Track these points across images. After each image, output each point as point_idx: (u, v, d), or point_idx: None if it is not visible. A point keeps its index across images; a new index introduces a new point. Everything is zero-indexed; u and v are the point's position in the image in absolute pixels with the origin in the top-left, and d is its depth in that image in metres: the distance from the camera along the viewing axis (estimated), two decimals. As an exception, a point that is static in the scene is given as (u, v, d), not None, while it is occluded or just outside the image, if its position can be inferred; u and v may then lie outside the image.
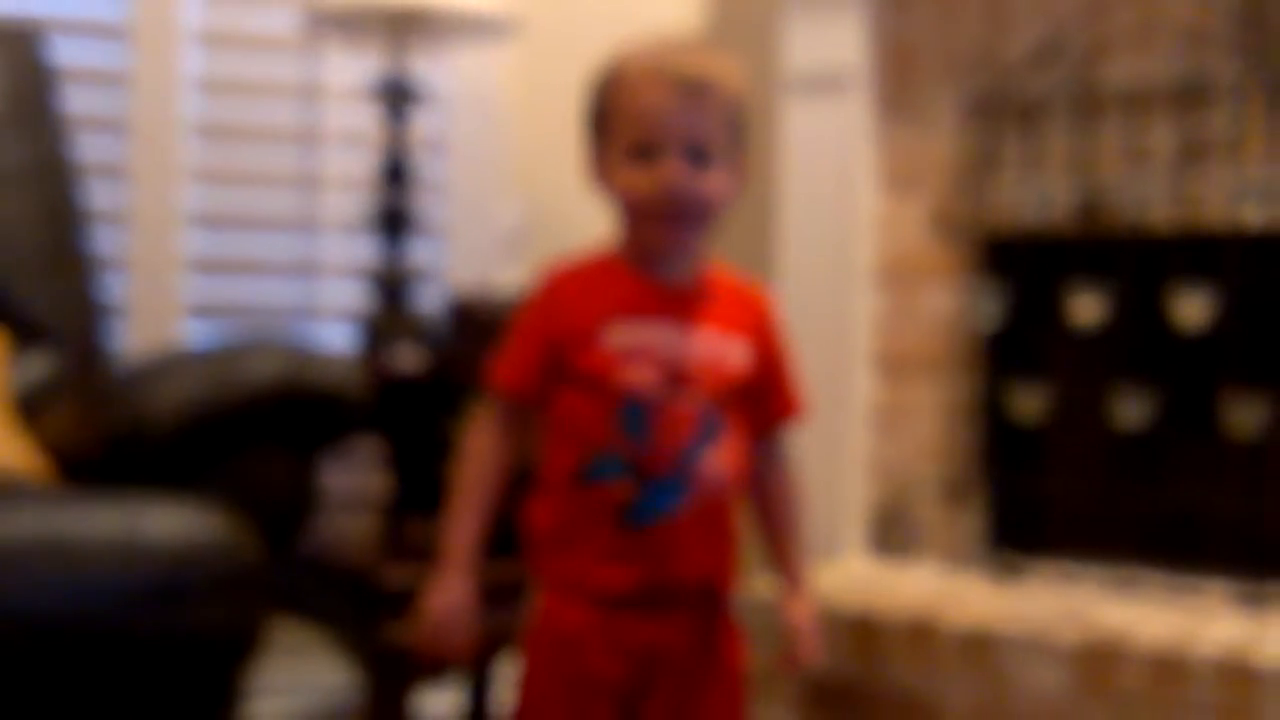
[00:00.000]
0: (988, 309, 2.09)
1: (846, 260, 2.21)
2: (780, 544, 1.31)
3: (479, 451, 1.25)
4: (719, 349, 1.23)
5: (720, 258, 1.30)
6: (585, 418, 1.19)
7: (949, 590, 2.00)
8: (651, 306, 1.21)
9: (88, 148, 2.09)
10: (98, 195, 2.11)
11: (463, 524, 1.23)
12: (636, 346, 1.20)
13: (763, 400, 1.27)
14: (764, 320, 1.28)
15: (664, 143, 1.18)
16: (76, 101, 2.09)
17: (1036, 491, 2.10)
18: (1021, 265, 2.07)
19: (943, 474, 2.15)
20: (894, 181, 2.22)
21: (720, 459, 1.21)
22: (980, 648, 1.80)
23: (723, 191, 1.21)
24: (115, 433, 1.61)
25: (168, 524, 1.38)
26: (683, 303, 1.23)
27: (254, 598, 1.46)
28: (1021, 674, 1.77)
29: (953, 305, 2.15)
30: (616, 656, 1.21)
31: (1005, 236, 2.10)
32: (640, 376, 1.19)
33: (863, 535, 2.22)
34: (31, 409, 1.73)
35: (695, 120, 1.19)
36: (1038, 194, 2.04)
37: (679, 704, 1.23)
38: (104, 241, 2.11)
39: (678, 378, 1.20)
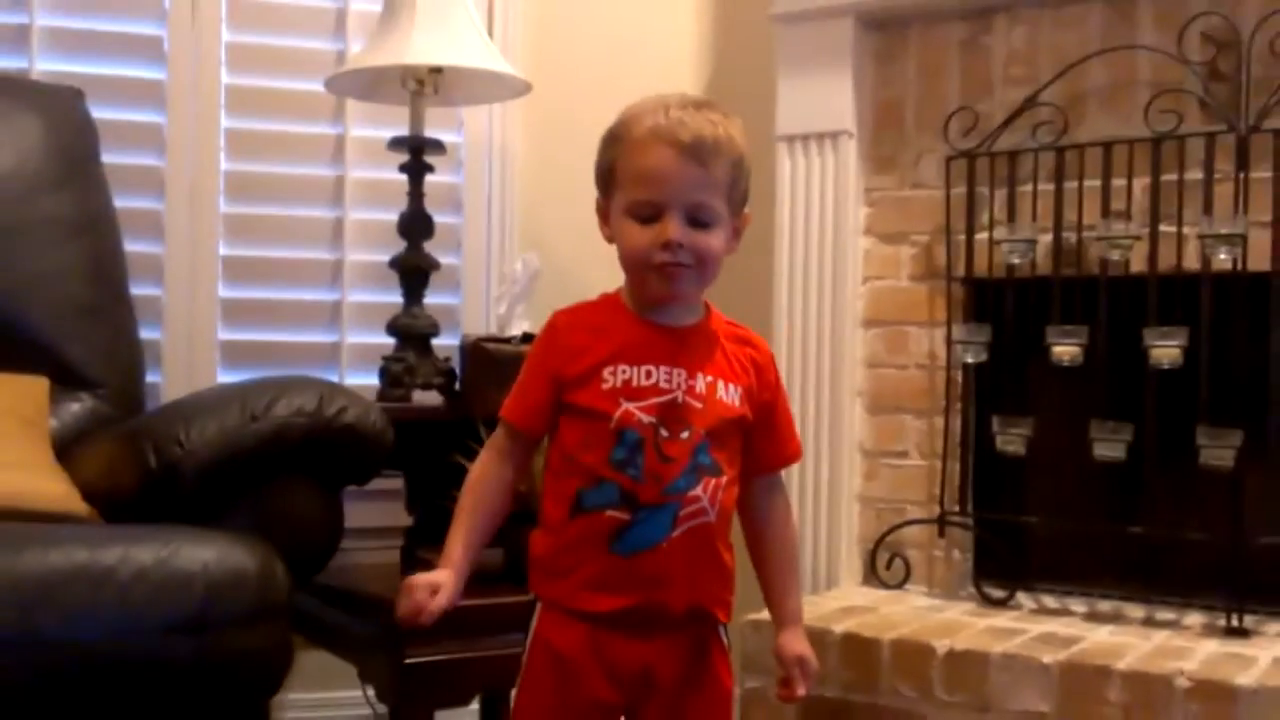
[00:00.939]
0: (972, 349, 2.18)
1: (838, 304, 2.31)
2: (778, 580, 1.37)
3: (479, 471, 1.33)
4: (713, 390, 1.28)
5: (722, 300, 1.40)
6: (584, 449, 1.26)
7: (940, 618, 2.08)
8: (651, 349, 1.28)
9: (128, 201, 2.21)
10: (135, 247, 2.23)
11: (458, 533, 1.30)
12: (635, 385, 1.26)
13: (761, 444, 1.34)
14: (763, 369, 1.34)
15: (665, 203, 1.23)
16: (117, 158, 2.22)
17: (1019, 523, 2.18)
18: (1004, 307, 2.16)
19: (932, 507, 2.24)
20: (883, 229, 2.33)
21: (709, 493, 1.27)
22: (968, 668, 1.87)
23: (720, 249, 1.27)
24: (150, 470, 1.70)
25: (201, 556, 1.46)
26: (681, 347, 1.28)
27: (284, 627, 1.52)
28: (1008, 694, 1.85)
29: (939, 345, 2.25)
30: (609, 678, 1.27)
31: (988, 280, 2.20)
32: (636, 411, 1.25)
33: (857, 567, 2.31)
34: (71, 450, 1.84)
35: (696, 183, 1.23)
36: (1018, 240, 2.14)
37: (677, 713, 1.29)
38: (142, 291, 2.23)
39: (672, 414, 1.25)
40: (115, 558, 1.43)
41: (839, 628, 1.99)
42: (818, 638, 1.99)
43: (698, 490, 1.26)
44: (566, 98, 2.57)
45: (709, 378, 1.28)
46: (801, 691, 1.35)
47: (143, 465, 1.71)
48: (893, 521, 2.27)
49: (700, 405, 1.27)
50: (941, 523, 2.22)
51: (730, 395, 1.30)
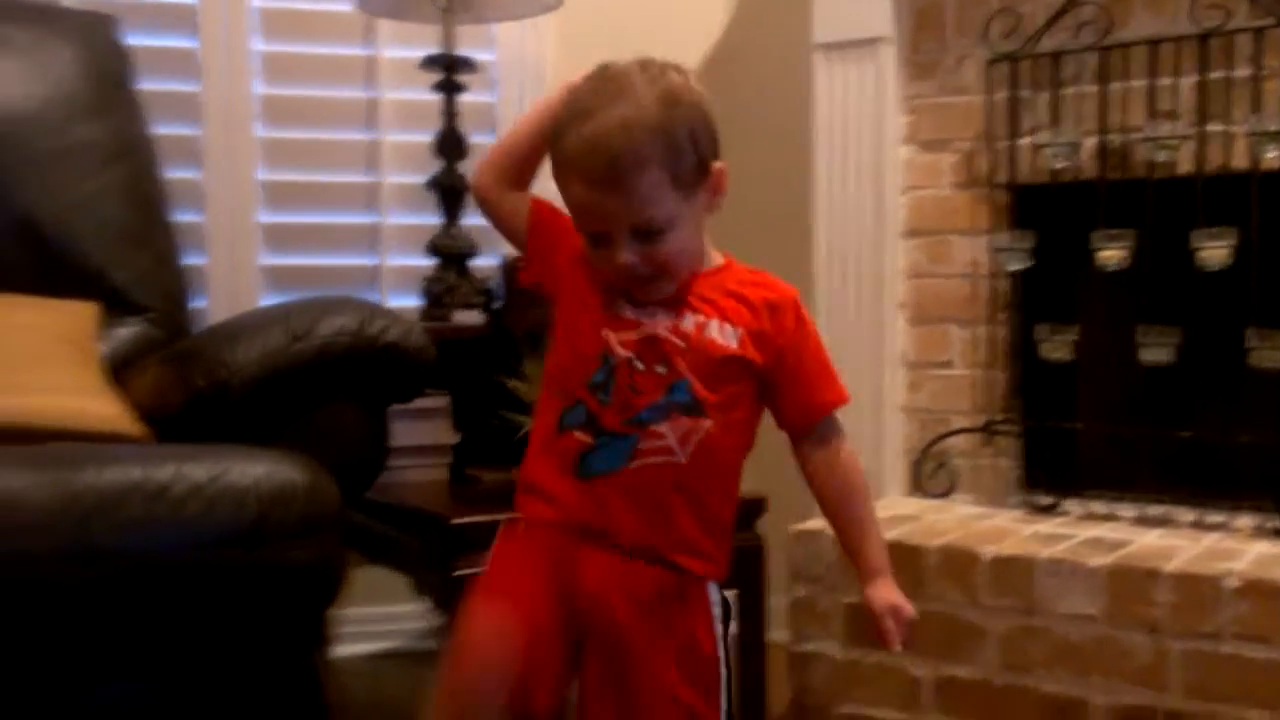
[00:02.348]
0: (1016, 256, 2.16)
1: (880, 214, 2.28)
2: (847, 535, 1.27)
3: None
4: (702, 330, 1.21)
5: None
6: (570, 368, 1.23)
7: (985, 523, 2.08)
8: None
9: (167, 128, 2.22)
10: (176, 174, 2.24)
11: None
12: (620, 316, 1.21)
13: (789, 395, 1.25)
14: (779, 310, 1.25)
15: (605, 231, 1.17)
16: (153, 85, 2.22)
17: (1066, 429, 2.17)
18: (1049, 212, 2.13)
19: (977, 416, 2.23)
20: (923, 137, 2.29)
21: (680, 434, 1.19)
22: (1016, 574, 1.88)
23: (680, 247, 1.19)
24: (199, 390, 1.72)
25: (253, 472, 1.48)
26: (677, 292, 1.22)
27: (335, 540, 1.54)
28: (1057, 600, 1.85)
29: (981, 254, 2.22)
30: (558, 595, 1.20)
31: (1031, 186, 2.16)
32: (618, 340, 1.21)
33: (903, 477, 2.31)
34: (122, 373, 1.87)
35: (627, 207, 1.15)
36: (1062, 144, 2.10)
37: (614, 674, 1.20)
38: (183, 217, 2.24)
39: (650, 349, 1.20)
40: (169, 475, 1.45)
41: (885, 536, 2.00)
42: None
43: (663, 427, 1.19)
44: (600, 10, 2.54)
45: (700, 317, 1.22)
46: (898, 643, 1.25)
47: (191, 386, 1.74)
48: (938, 431, 2.27)
49: (683, 344, 1.21)
50: (988, 430, 2.21)
51: (725, 336, 1.22)
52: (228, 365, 1.73)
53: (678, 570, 1.22)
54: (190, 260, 2.23)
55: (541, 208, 1.30)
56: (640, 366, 1.20)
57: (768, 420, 1.29)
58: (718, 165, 1.22)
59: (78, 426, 1.64)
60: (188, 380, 1.75)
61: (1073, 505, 2.15)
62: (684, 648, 1.22)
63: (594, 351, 1.22)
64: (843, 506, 1.27)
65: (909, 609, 1.25)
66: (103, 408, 1.73)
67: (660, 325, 1.21)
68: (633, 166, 1.14)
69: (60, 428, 1.62)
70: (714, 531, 1.24)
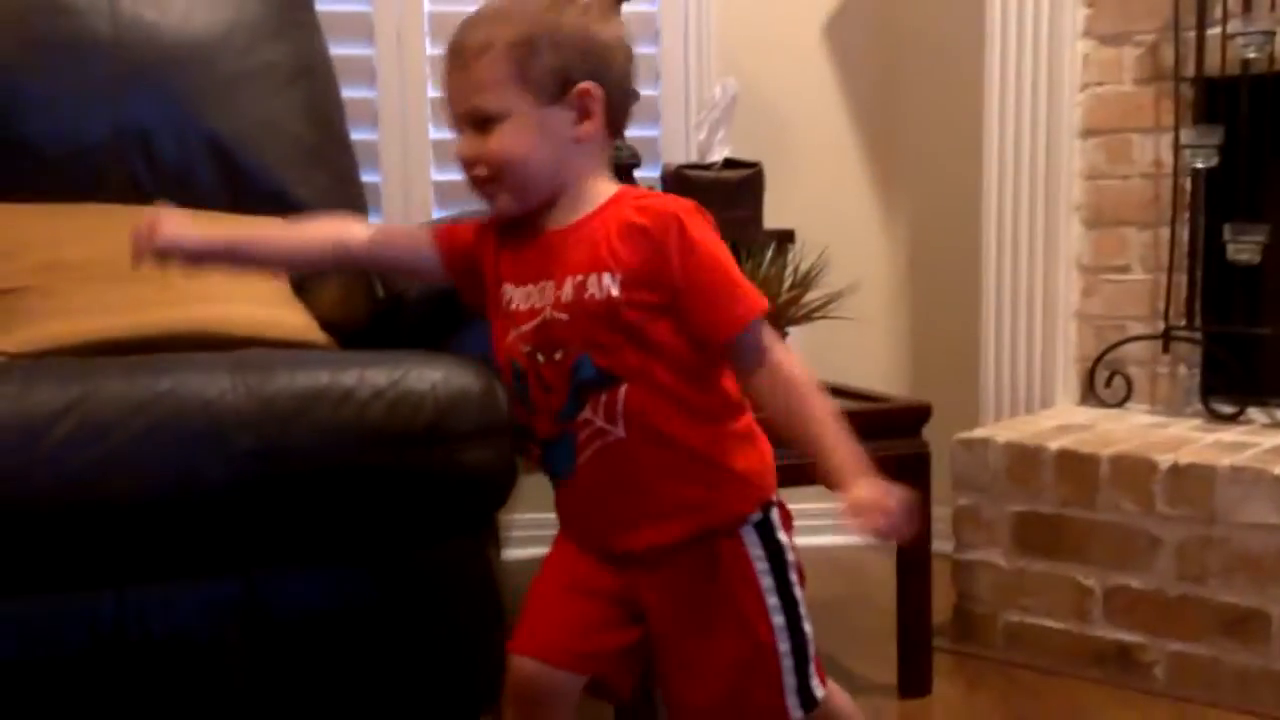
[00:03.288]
0: (1202, 153, 2.05)
1: (1056, 111, 2.20)
2: (814, 446, 1.13)
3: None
4: (580, 291, 1.13)
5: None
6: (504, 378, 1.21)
7: (1161, 432, 2.02)
8: (528, 263, 1.17)
9: (340, 48, 2.29)
10: (351, 92, 2.31)
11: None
12: (516, 308, 1.17)
13: (695, 319, 1.13)
14: (654, 237, 1.12)
15: (453, 118, 1.16)
16: (328, 5, 2.29)
17: (1251, 334, 2.07)
18: (1236, 106, 2.02)
19: (1155, 322, 2.15)
20: (1104, 30, 2.19)
21: (603, 410, 1.13)
22: (1192, 482, 1.82)
23: (516, 146, 1.13)
24: (379, 300, 1.81)
25: (430, 377, 1.53)
26: (545, 255, 1.16)
27: (506, 443, 1.57)
28: (1235, 508, 1.79)
29: (1163, 153, 2.12)
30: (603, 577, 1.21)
31: (1217, 79, 2.05)
32: (518, 344, 1.17)
33: (1075, 386, 2.25)
34: (306, 285, 1.97)
35: (467, 86, 1.13)
36: (1255, 33, 1.98)
37: (683, 635, 1.19)
38: (359, 134, 2.31)
39: (544, 336, 1.14)
40: (354, 379, 1.52)
41: (1054, 445, 1.96)
42: (1031, 455, 1.97)
43: (585, 413, 1.13)
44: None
45: (577, 277, 1.13)
46: (889, 533, 1.11)
47: (372, 296, 1.82)
48: (1114, 339, 2.20)
49: (566, 316, 1.13)
50: (1166, 338, 2.13)
51: (602, 286, 1.12)
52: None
53: (691, 540, 1.16)
54: (367, 178, 2.31)
55: (441, 238, 1.26)
56: (542, 359, 1.14)
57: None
58: (585, 85, 1.14)
59: (269, 334, 1.74)
60: (369, 290, 1.83)
61: (1256, 414, 2.07)
62: (729, 600, 1.17)
63: (507, 364, 1.18)
64: (796, 418, 1.14)
65: (894, 499, 1.10)
66: (291, 317, 1.83)
67: (546, 303, 1.14)
68: (478, 48, 1.12)
69: (253, 335, 1.72)
70: (706, 476, 1.16)
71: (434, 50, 2.49)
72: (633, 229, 1.13)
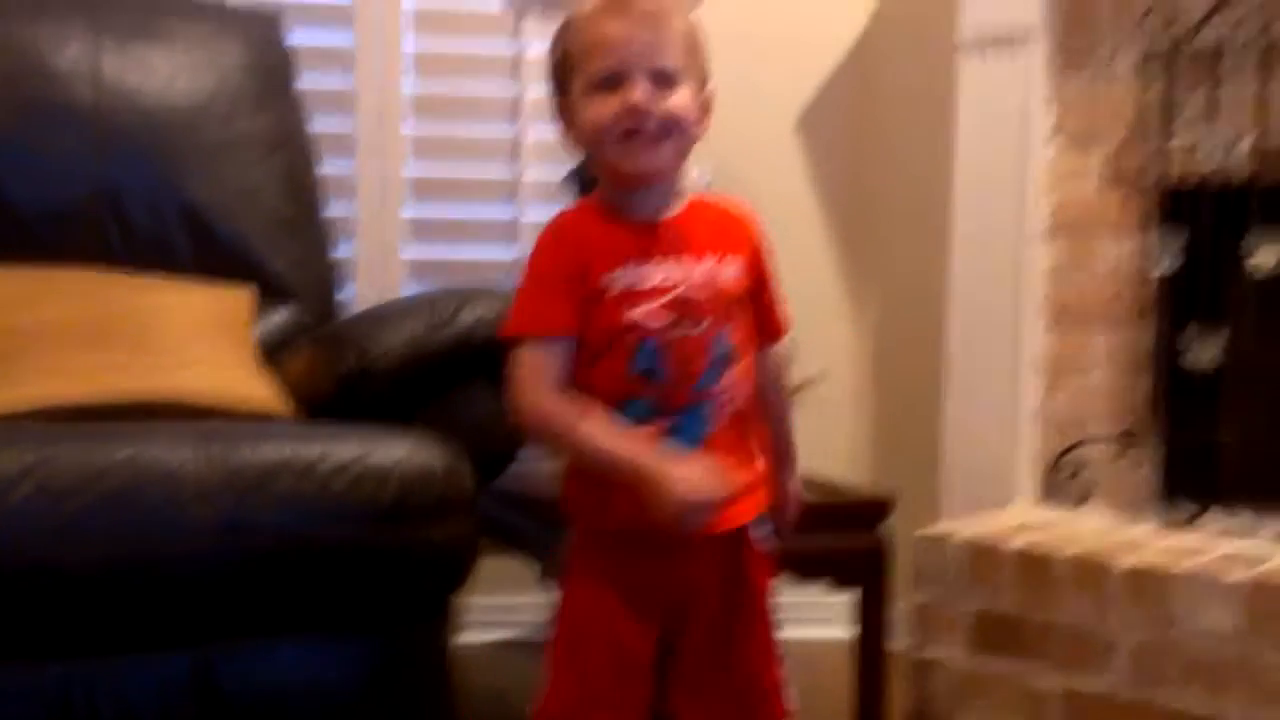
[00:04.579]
0: (1164, 256, 2.10)
1: (1021, 212, 2.24)
2: (785, 434, 1.35)
3: (563, 408, 1.20)
4: (715, 273, 1.23)
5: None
6: (599, 370, 1.20)
7: (1120, 534, 2.03)
8: (643, 247, 1.21)
9: (320, 123, 2.31)
10: (329, 167, 2.32)
11: (616, 438, 1.19)
12: (638, 288, 1.20)
13: (770, 312, 1.30)
14: (753, 238, 1.28)
15: (628, 70, 1.18)
16: (310, 81, 2.31)
17: (1211, 440, 2.10)
18: (1199, 212, 2.07)
19: (1116, 423, 2.18)
20: (1071, 133, 2.24)
21: (734, 378, 1.23)
22: (1150, 586, 1.83)
23: (690, 109, 1.21)
24: (346, 373, 1.81)
25: (395, 453, 1.54)
26: (671, 236, 1.22)
27: (469, 521, 1.60)
28: (1191, 613, 1.80)
29: (1128, 254, 2.16)
30: (648, 611, 1.23)
31: (1182, 184, 2.10)
32: (649, 316, 1.20)
33: (1035, 484, 2.27)
34: (274, 355, 1.96)
35: (656, 45, 1.19)
36: (1216, 142, 2.04)
37: (715, 640, 1.25)
38: (334, 209, 2.33)
39: (684, 310, 1.20)
40: (317, 453, 1.52)
41: (1013, 543, 1.97)
42: (990, 553, 1.98)
43: (724, 380, 1.22)
44: (740, 7, 2.53)
45: (709, 261, 1.23)
46: (785, 526, 1.35)
47: (340, 368, 1.82)
48: (1074, 439, 2.22)
49: (707, 294, 1.22)
50: (1126, 439, 2.16)
51: (732, 273, 1.24)
52: (374, 349, 1.81)
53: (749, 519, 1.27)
54: (339, 251, 2.32)
55: (571, 325, 1.22)
56: (680, 333, 1.21)
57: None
58: (714, 88, 1.28)
59: (234, 404, 1.74)
60: (337, 362, 1.84)
61: (1211, 519, 2.09)
62: (756, 590, 1.28)
63: (625, 338, 1.19)
64: (785, 407, 1.36)
65: (797, 508, 1.37)
66: (256, 387, 1.82)
67: (682, 279, 1.22)
68: (667, 15, 1.22)
69: (217, 405, 1.72)
70: (760, 463, 1.30)
71: (413, 129, 2.52)
72: (735, 223, 1.28)
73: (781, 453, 1.35)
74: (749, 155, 2.56)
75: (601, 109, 1.19)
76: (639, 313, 1.20)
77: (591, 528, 1.25)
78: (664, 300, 1.20)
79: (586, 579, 1.24)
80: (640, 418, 1.20)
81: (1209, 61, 2.05)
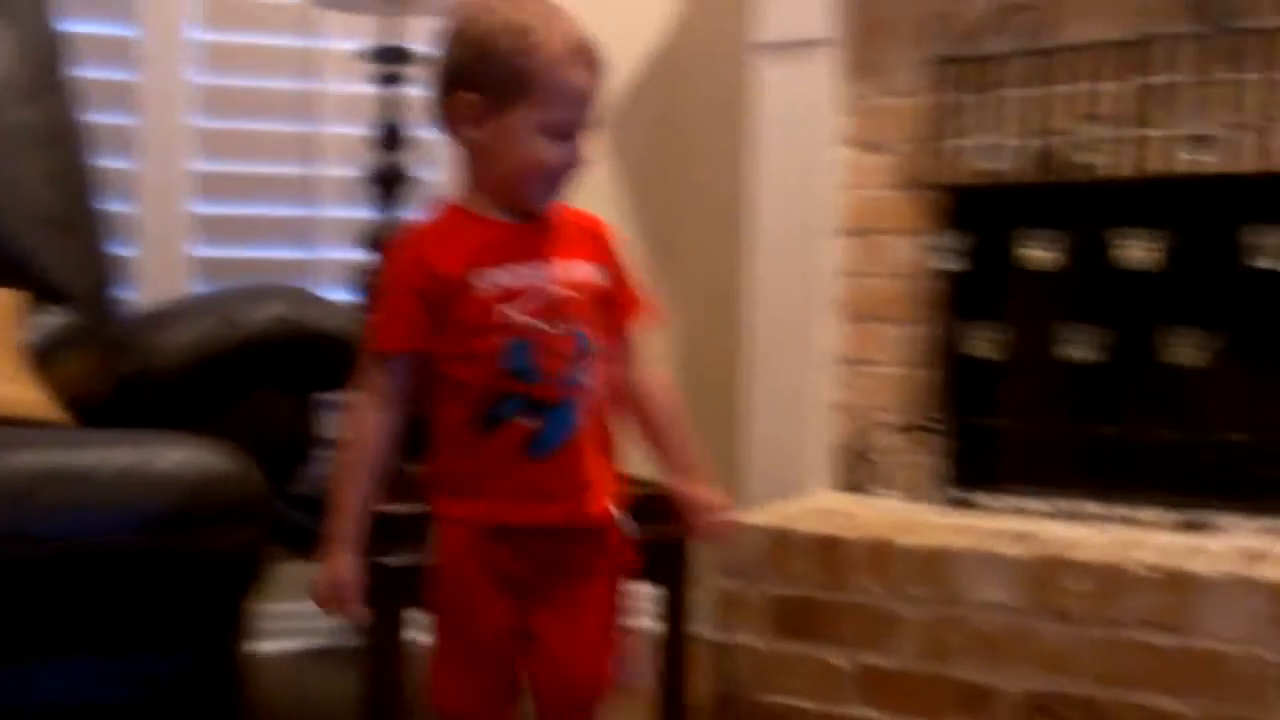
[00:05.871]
0: (948, 256, 2.20)
1: (814, 213, 2.32)
2: (662, 440, 1.36)
3: (362, 426, 1.26)
4: (577, 275, 1.28)
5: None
6: (471, 366, 1.23)
7: (907, 518, 2.12)
8: (512, 249, 1.25)
9: (99, 117, 2.20)
10: (109, 163, 2.22)
11: (348, 501, 1.26)
12: (510, 287, 1.24)
13: (613, 309, 1.32)
14: (607, 243, 1.34)
15: (582, 123, 1.25)
16: (88, 72, 2.20)
17: (992, 427, 2.21)
18: (980, 214, 2.17)
19: (906, 413, 2.27)
20: (861, 139, 2.33)
21: (598, 377, 1.28)
22: (934, 565, 1.92)
23: None
24: (125, 375, 1.72)
25: (177, 457, 1.48)
26: (537, 240, 1.27)
27: (257, 527, 1.55)
28: (973, 589, 1.89)
29: (915, 254, 2.26)
30: (507, 590, 1.28)
31: (965, 187, 2.20)
32: (520, 314, 1.24)
33: (828, 473, 2.34)
34: (47, 359, 1.86)
35: (598, 94, 1.26)
36: (996, 147, 2.15)
37: (563, 599, 1.30)
38: (115, 206, 2.22)
39: (551, 310, 1.25)
40: (95, 459, 1.46)
41: (807, 529, 2.03)
42: (785, 539, 2.03)
43: (590, 380, 1.27)
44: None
45: (569, 262, 1.28)
46: (719, 535, 1.40)
47: (117, 371, 1.74)
48: (865, 427, 2.30)
49: (570, 293, 1.27)
50: (914, 428, 2.25)
51: (594, 274, 1.30)
52: (155, 351, 1.74)
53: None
54: (122, 250, 2.22)
55: (415, 341, 1.26)
56: (549, 330, 1.24)
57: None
58: None
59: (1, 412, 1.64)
60: (115, 366, 1.75)
61: (993, 500, 2.20)
62: (609, 562, 1.33)
63: (495, 336, 1.23)
64: (657, 406, 1.36)
65: (725, 512, 1.39)
66: (22, 393, 1.72)
67: (542, 280, 1.26)
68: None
69: (-18, 412, 1.62)
70: (615, 455, 1.33)
71: (201, 122, 2.43)
72: (590, 231, 1.32)
73: (675, 459, 1.37)
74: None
75: (547, 153, 1.23)
76: (507, 310, 1.23)
77: (452, 518, 1.29)
78: (531, 299, 1.24)
79: (454, 561, 1.29)
80: (517, 412, 1.24)
81: (990, 69, 2.16)
